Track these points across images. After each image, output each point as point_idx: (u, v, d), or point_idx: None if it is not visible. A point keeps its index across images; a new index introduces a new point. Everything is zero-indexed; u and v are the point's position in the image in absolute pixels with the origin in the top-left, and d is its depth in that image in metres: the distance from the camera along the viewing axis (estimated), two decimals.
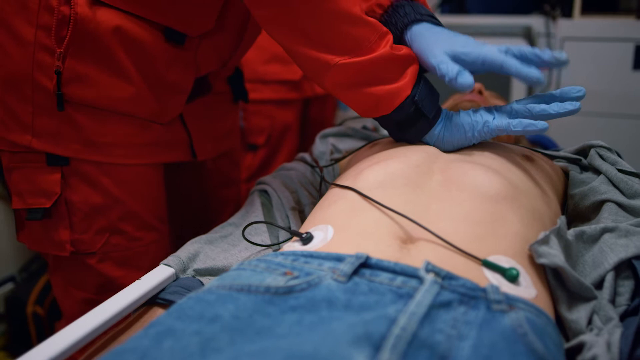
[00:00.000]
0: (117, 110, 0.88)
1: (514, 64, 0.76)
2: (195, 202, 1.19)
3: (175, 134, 0.99)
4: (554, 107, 0.76)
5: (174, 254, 0.82)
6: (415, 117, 0.82)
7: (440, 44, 0.81)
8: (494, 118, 0.80)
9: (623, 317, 0.62)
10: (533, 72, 0.75)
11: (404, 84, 0.80)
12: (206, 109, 1.05)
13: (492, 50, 0.78)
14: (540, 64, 0.77)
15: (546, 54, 0.77)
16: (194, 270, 0.79)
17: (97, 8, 0.82)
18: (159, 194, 1.00)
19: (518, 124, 0.76)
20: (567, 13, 2.06)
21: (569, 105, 0.76)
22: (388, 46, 0.79)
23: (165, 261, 0.80)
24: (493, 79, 0.92)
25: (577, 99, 0.78)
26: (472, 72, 0.78)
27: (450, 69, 0.77)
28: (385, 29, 0.80)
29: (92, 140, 0.88)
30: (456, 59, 0.79)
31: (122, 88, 0.86)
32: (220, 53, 1.02)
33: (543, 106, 0.77)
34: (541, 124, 0.75)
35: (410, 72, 0.81)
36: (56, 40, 0.81)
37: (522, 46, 0.79)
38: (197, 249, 0.83)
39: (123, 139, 0.90)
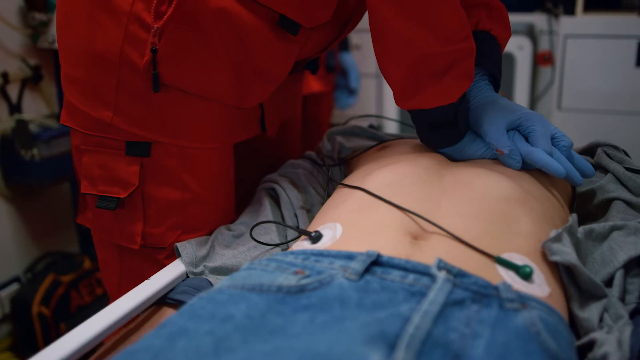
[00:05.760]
0: (204, 96, 0.83)
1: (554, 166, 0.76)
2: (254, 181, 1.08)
3: (250, 111, 0.93)
4: (565, 164, 0.77)
5: (189, 241, 0.84)
6: (450, 125, 0.82)
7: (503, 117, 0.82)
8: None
9: (633, 315, 0.62)
10: (560, 169, 0.76)
11: (457, 88, 0.80)
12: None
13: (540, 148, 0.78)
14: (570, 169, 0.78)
15: (578, 178, 0.78)
16: (204, 265, 0.80)
17: None
18: (231, 184, 0.95)
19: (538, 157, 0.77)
20: (570, 10, 2.06)
21: (574, 174, 0.77)
22: (473, 44, 0.79)
23: (181, 245, 0.82)
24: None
25: (585, 175, 0.80)
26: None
27: (502, 144, 0.79)
28: (469, 29, 0.80)
29: (175, 123, 0.83)
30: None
31: (213, 74, 0.81)
32: (323, 44, 0.95)
33: (558, 154, 0.78)
34: (557, 167, 0.76)
35: (467, 84, 0.81)
36: (155, 14, 0.75)
37: (576, 155, 0.81)
38: (211, 244, 0.84)
39: (205, 123, 0.85)
